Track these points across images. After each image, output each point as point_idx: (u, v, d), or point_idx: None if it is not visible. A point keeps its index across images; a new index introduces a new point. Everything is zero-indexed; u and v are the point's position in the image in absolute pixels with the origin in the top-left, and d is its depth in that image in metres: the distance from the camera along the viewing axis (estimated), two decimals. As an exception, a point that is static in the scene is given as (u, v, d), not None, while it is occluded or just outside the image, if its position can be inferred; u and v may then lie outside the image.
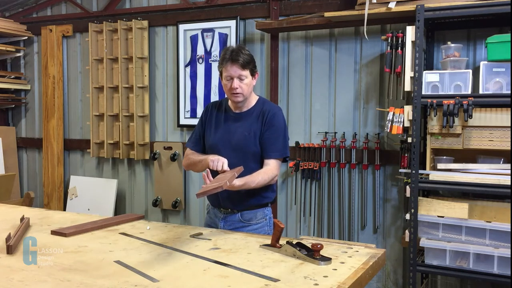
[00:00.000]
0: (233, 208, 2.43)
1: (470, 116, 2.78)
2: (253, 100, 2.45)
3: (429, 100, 2.88)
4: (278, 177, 2.46)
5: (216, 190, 1.96)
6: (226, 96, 2.46)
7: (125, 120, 4.49)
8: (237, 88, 2.29)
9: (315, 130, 3.83)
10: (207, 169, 2.23)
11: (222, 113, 2.48)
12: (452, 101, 2.81)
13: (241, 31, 4.03)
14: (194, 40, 4.22)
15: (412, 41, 3.02)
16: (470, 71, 2.88)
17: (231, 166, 2.21)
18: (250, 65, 2.32)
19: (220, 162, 2.19)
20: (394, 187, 3.59)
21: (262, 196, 2.43)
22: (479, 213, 2.86)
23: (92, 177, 4.80)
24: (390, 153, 3.55)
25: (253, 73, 2.35)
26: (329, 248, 1.87)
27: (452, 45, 3.01)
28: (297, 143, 3.80)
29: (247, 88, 2.33)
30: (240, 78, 2.29)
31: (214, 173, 2.23)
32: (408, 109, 3.02)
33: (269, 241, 1.90)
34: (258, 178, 2.26)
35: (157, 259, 1.76)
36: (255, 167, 2.34)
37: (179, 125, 4.34)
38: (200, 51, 4.19)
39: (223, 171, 2.18)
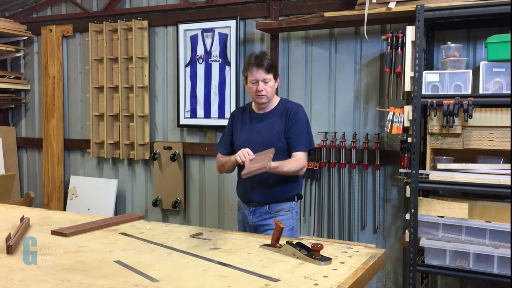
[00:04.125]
0: (261, 201, 2.62)
1: (470, 116, 2.78)
2: (276, 101, 2.71)
3: (429, 100, 2.88)
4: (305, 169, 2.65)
5: (260, 170, 2.20)
6: (250, 98, 2.72)
7: (125, 120, 4.49)
8: (262, 90, 2.55)
9: (315, 130, 3.81)
10: (246, 155, 2.34)
11: (247, 115, 2.75)
12: (452, 101, 2.81)
13: (241, 31, 4.02)
14: (194, 40, 4.21)
15: (412, 41, 3.02)
16: (470, 71, 2.88)
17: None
18: (273, 69, 2.59)
19: (244, 153, 2.37)
20: (394, 187, 3.59)
21: (289, 188, 2.66)
22: (479, 213, 2.87)
23: (92, 177, 4.80)
24: (390, 153, 3.55)
25: (275, 77, 2.63)
26: (329, 248, 1.87)
27: (452, 45, 3.00)
28: (297, 143, 3.80)
29: (271, 90, 2.61)
30: (265, 81, 2.56)
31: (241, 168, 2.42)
32: (408, 109, 3.02)
33: (269, 241, 1.90)
34: (290, 164, 2.51)
35: (157, 259, 1.76)
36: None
37: (179, 125, 4.34)
38: (200, 51, 4.19)
39: (252, 159, 2.32)
